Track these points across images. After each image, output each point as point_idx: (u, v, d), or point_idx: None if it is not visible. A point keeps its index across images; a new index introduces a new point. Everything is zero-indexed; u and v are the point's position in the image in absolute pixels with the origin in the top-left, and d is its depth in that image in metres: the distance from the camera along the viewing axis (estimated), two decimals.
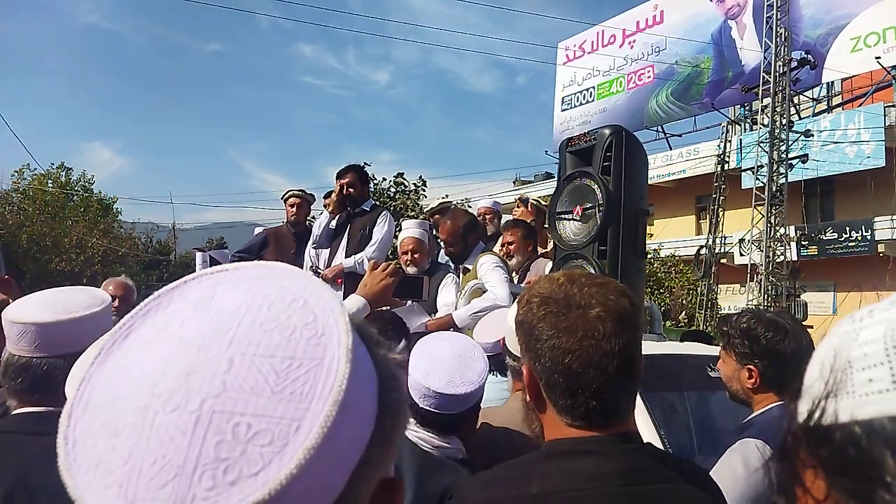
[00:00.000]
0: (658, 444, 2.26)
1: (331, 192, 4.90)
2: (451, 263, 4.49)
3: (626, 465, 1.00)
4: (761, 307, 16.20)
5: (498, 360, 2.51)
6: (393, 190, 19.66)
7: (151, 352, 0.47)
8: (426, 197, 19.80)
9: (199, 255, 5.13)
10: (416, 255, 4.00)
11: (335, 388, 0.45)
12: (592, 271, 2.98)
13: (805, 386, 0.50)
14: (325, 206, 4.84)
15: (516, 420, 1.76)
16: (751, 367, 1.69)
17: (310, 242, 4.76)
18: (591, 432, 1.03)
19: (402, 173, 19.82)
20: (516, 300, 1.20)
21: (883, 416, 0.44)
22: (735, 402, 1.74)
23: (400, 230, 4.23)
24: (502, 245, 4.27)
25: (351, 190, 4.62)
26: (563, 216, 3.31)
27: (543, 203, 5.39)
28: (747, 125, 22.18)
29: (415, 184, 19.84)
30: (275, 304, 0.48)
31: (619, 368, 1.02)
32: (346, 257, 4.53)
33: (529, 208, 4.93)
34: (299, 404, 0.45)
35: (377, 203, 5.15)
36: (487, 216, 5.24)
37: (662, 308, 17.80)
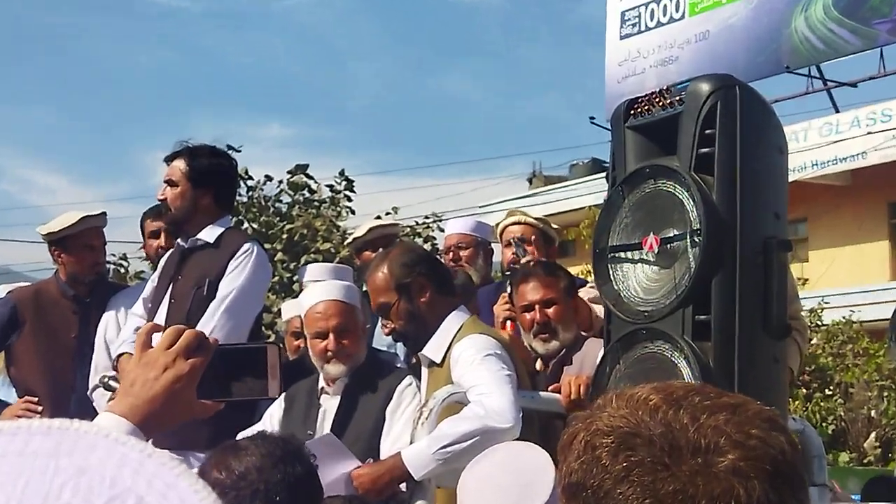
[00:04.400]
0: None
1: (160, 211, 4.89)
2: (397, 352, 4.49)
3: None
4: None
5: None
6: (287, 199, 19.65)
7: None
8: (353, 213, 19.80)
9: None
10: (344, 342, 4.06)
11: None
12: (686, 371, 2.99)
13: None
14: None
15: None
16: None
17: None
18: None
19: (306, 165, 19.84)
20: (560, 444, 1.22)
21: None
22: None
23: (289, 289, 4.23)
24: (522, 308, 4.29)
25: (164, 196, 4.65)
26: (622, 254, 3.35)
27: (553, 225, 5.43)
28: None
29: (331, 186, 19.88)
30: None
31: None
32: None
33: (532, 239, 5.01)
34: None
35: (241, 223, 5.18)
36: (463, 252, 5.35)
37: (831, 428, 17.86)
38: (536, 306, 4.25)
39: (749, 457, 1.09)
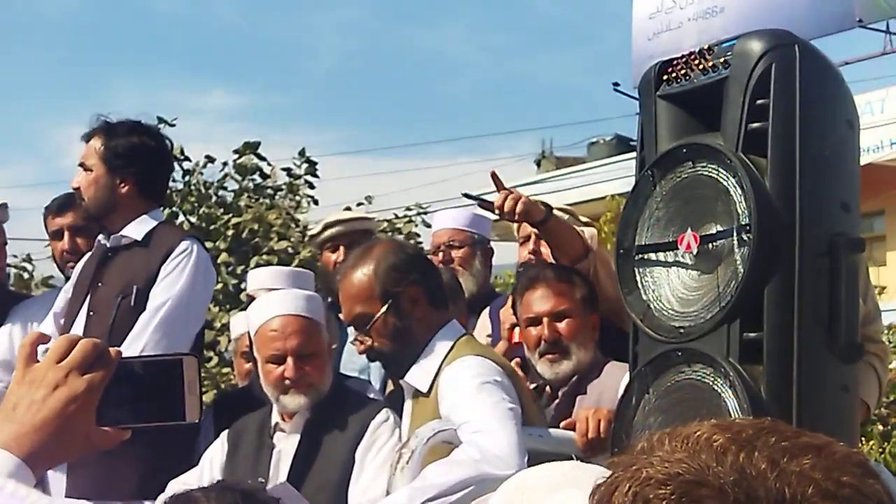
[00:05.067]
0: None
1: (62, 205, 4.90)
2: (370, 379, 4.45)
3: None
4: None
5: None
6: (233, 185, 19.63)
7: None
8: (316, 204, 19.78)
9: None
10: (306, 368, 4.07)
11: None
12: (732, 402, 2.99)
13: None
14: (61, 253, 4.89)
15: None
16: None
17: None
18: None
19: (258, 143, 19.83)
20: (595, 498, 1.23)
21: None
22: None
23: (235, 299, 4.24)
24: (527, 321, 4.29)
25: (77, 184, 4.68)
26: (652, 255, 3.37)
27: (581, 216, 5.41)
28: None
29: (288, 170, 19.86)
30: None
31: None
32: None
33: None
34: None
35: (176, 216, 5.22)
36: (456, 252, 5.35)
37: None
38: (544, 319, 4.23)
39: None
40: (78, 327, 4.60)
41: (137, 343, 4.40)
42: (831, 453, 1.15)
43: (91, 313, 4.61)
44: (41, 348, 1.92)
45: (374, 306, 3.96)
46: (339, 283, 4.12)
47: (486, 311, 5.11)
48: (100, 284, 4.64)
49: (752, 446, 1.14)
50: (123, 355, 1.99)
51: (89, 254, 4.87)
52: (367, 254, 4.11)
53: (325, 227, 5.90)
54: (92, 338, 1.93)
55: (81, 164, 4.64)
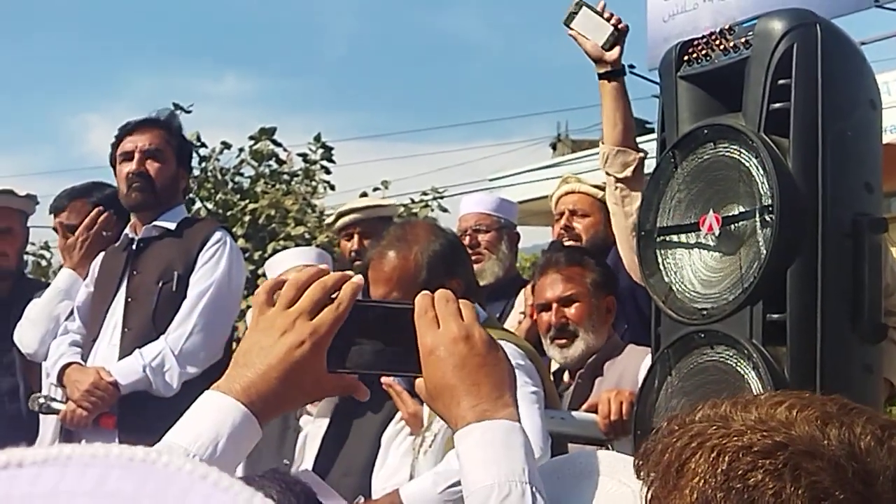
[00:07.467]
0: None
1: (75, 196, 4.93)
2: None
3: None
4: None
5: None
6: (249, 171, 19.64)
7: None
8: (332, 189, 19.78)
9: None
10: None
11: None
12: (756, 383, 2.98)
13: None
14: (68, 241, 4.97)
15: None
16: None
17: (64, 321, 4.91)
18: None
19: (273, 129, 19.82)
20: (659, 464, 1.21)
21: None
22: None
23: (253, 285, 4.26)
24: (539, 307, 4.30)
25: (141, 169, 4.70)
26: (674, 237, 3.36)
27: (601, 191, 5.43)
28: None
29: (304, 155, 19.85)
30: None
31: None
32: (121, 352, 4.62)
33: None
34: None
35: (192, 202, 5.29)
36: (483, 236, 5.37)
37: None
38: (554, 305, 4.27)
39: None
40: (114, 315, 4.70)
41: (184, 327, 4.53)
42: None
43: (130, 300, 4.69)
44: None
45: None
46: (374, 263, 3.98)
47: (527, 288, 5.09)
48: (135, 273, 4.73)
49: (850, 421, 1.13)
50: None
51: (106, 250, 4.95)
52: (409, 236, 4.03)
53: (340, 216, 5.93)
54: (347, 276, 1.92)
55: (152, 151, 4.70)
